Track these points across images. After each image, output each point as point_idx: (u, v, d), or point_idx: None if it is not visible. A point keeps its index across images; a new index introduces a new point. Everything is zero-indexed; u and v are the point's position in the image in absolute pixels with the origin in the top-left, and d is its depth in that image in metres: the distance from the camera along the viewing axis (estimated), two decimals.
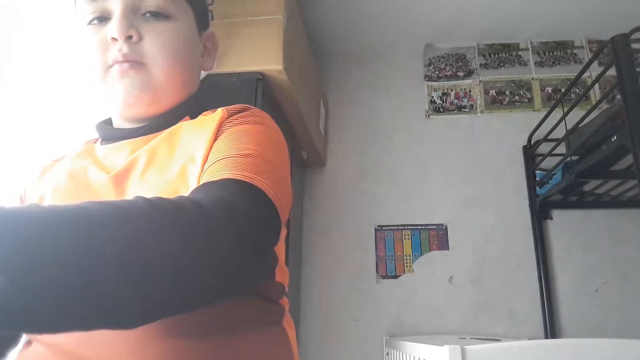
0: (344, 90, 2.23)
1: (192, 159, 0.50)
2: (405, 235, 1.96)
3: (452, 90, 2.17)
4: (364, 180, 2.06)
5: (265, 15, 1.30)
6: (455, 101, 2.14)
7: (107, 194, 0.52)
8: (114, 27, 0.53)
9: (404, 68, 2.22)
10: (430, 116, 2.13)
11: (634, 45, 1.23)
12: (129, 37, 0.54)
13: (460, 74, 2.18)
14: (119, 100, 0.55)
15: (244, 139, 0.49)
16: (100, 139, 0.62)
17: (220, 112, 0.55)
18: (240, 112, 0.56)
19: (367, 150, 2.11)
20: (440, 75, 2.19)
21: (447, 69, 2.20)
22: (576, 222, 1.88)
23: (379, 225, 1.99)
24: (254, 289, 0.50)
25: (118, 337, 0.42)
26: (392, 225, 1.98)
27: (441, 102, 2.15)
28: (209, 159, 0.49)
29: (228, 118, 0.54)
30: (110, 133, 0.60)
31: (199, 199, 0.38)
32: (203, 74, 0.68)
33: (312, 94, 1.75)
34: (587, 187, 1.68)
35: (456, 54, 2.21)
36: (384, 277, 1.91)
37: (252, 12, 1.31)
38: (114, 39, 0.53)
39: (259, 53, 1.27)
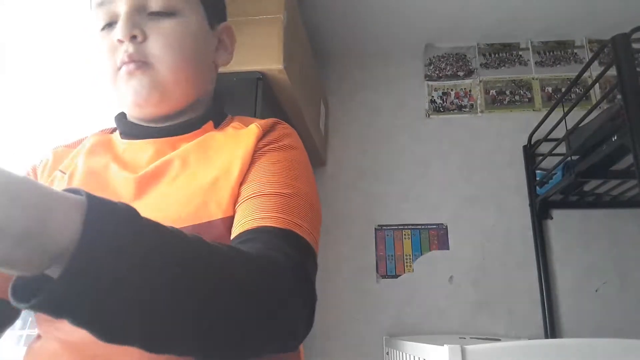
0: (344, 90, 2.22)
1: (226, 173, 0.52)
2: (405, 234, 1.96)
3: (452, 89, 2.16)
4: (364, 180, 2.06)
5: (266, 15, 1.30)
6: (456, 101, 2.14)
7: (127, 194, 0.52)
8: (118, 29, 0.53)
9: (404, 68, 2.22)
10: (431, 116, 2.13)
11: (634, 45, 1.23)
12: (134, 37, 0.54)
13: (461, 73, 2.18)
14: (129, 101, 0.56)
15: (285, 172, 0.53)
16: (118, 132, 0.62)
17: (254, 128, 0.57)
18: (272, 128, 0.58)
19: (368, 150, 2.11)
20: (440, 74, 2.19)
21: (448, 68, 2.20)
22: (576, 222, 1.88)
23: (379, 225, 1.98)
24: None
25: None
26: (392, 225, 1.98)
27: (441, 102, 2.15)
28: (251, 181, 0.52)
29: (263, 136, 0.56)
30: (131, 129, 0.60)
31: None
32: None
33: (313, 93, 1.74)
34: (588, 187, 1.68)
35: (456, 54, 2.21)
36: (384, 277, 1.91)
37: (253, 11, 1.31)
38: (120, 41, 0.54)
39: (259, 52, 1.27)
